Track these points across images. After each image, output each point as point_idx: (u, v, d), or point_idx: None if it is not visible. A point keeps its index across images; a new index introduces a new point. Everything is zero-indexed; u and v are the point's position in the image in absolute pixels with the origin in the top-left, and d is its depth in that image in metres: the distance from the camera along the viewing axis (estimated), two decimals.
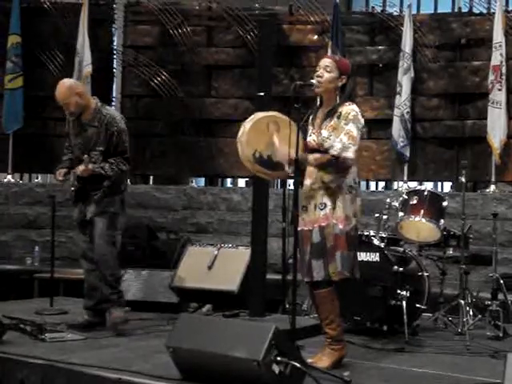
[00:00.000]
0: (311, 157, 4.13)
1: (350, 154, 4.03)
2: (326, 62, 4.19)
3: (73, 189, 5.05)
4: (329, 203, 4.08)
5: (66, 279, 7.10)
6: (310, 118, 4.28)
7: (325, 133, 4.11)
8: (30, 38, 9.06)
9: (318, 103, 4.27)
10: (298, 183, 4.08)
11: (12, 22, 8.90)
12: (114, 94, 9.56)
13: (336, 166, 4.07)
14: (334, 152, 4.04)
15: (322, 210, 4.10)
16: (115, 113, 5.16)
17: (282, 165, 4.15)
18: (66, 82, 5.15)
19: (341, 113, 4.09)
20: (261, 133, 4.21)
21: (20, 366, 4.07)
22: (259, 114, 4.36)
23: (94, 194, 4.98)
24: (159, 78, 9.30)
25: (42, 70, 9.22)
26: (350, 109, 4.10)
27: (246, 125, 4.26)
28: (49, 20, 9.33)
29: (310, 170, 4.18)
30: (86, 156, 4.90)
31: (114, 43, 9.73)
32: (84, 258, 5.15)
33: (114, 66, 9.66)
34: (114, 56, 9.66)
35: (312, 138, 4.18)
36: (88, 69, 8.72)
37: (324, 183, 4.10)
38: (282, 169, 4.17)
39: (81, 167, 4.91)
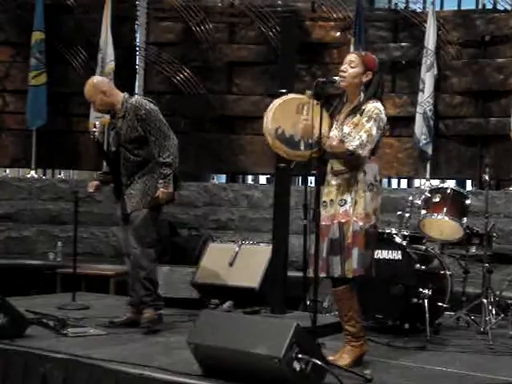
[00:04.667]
0: (328, 142, 4.11)
1: (365, 152, 4.02)
2: (351, 57, 4.19)
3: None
4: (349, 200, 4.07)
5: (89, 274, 7.14)
6: (336, 112, 4.27)
7: (346, 129, 4.10)
8: (54, 34, 9.12)
9: (345, 99, 4.25)
10: (320, 180, 4.08)
11: (36, 19, 8.97)
12: (137, 91, 9.59)
13: (348, 160, 4.06)
14: (350, 147, 4.02)
15: (341, 206, 4.08)
16: (141, 98, 5.16)
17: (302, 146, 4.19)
18: (93, 79, 5.20)
19: (364, 110, 4.07)
20: (289, 112, 4.27)
21: (42, 360, 4.09)
22: (292, 95, 4.42)
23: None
24: (181, 75, 9.32)
25: (66, 66, 9.28)
26: (373, 106, 4.07)
27: (277, 101, 4.34)
28: (72, 17, 9.39)
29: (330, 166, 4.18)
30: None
31: (137, 40, 9.77)
32: (127, 256, 5.16)
33: (137, 62, 9.70)
34: (137, 53, 9.69)
35: (334, 134, 4.17)
36: (111, 65, 8.75)
37: (333, 171, 4.10)
38: (302, 150, 4.20)
39: (160, 196, 4.93)
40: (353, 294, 4.13)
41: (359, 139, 4.01)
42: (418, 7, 9.29)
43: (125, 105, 5.02)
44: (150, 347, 4.45)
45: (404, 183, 10.13)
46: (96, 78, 5.32)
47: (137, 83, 9.62)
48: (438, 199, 5.48)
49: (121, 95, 5.09)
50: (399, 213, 5.67)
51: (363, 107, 4.08)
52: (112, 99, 5.05)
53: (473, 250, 5.63)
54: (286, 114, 4.27)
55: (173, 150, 4.98)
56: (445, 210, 5.43)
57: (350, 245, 4.04)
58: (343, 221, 4.06)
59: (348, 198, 4.08)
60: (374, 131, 4.02)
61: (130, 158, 5.03)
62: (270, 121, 4.26)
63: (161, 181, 4.93)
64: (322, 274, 4.12)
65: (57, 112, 9.19)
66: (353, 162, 4.07)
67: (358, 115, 4.08)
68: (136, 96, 5.23)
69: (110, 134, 5.14)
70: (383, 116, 4.09)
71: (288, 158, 4.47)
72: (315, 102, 4.17)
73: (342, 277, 4.07)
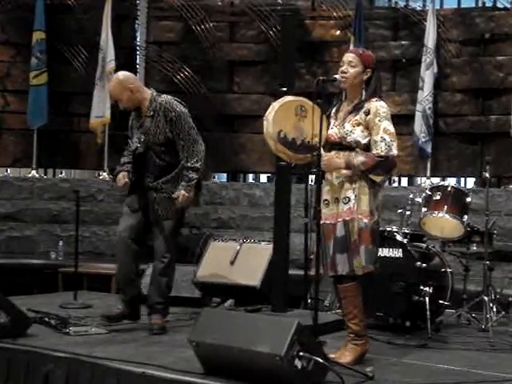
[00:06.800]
0: (358, 161, 4.04)
1: (395, 151, 4.07)
2: (349, 57, 4.18)
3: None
4: (352, 197, 4.08)
5: (90, 273, 7.16)
6: (333, 110, 4.28)
7: (348, 126, 4.10)
8: (54, 34, 9.12)
9: (344, 97, 4.26)
10: (320, 178, 4.09)
11: (36, 19, 8.96)
12: None
13: (384, 166, 4.06)
14: (380, 153, 4.03)
15: (345, 204, 4.09)
16: (171, 98, 4.90)
17: (304, 149, 4.18)
18: (119, 76, 4.93)
19: (369, 109, 4.07)
20: (288, 115, 4.28)
21: (45, 359, 4.10)
22: (289, 97, 4.40)
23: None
24: (182, 74, 9.32)
25: (66, 66, 9.28)
26: (379, 105, 4.09)
27: (276, 104, 4.33)
28: (73, 16, 9.39)
29: None
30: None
31: (137, 39, 9.77)
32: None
33: (137, 62, 9.71)
34: (137, 52, 9.70)
35: (334, 131, 4.17)
36: (111, 65, 8.75)
37: (346, 176, 4.09)
38: (304, 153, 4.19)
39: (180, 198, 4.76)
40: (358, 292, 4.15)
41: (383, 141, 4.02)
42: (417, 5, 9.28)
43: (153, 103, 4.82)
44: (152, 346, 4.45)
45: (404, 181, 10.13)
46: (122, 74, 4.97)
47: None
48: (438, 197, 5.50)
49: (148, 92, 4.90)
50: (400, 211, 5.68)
51: (366, 106, 4.09)
52: (139, 96, 4.84)
53: (473, 247, 5.64)
54: (286, 117, 4.26)
55: (201, 155, 4.84)
56: (445, 207, 5.44)
57: (356, 242, 4.05)
58: (348, 218, 4.07)
59: (351, 195, 4.08)
60: (392, 129, 4.07)
61: (155, 161, 4.85)
62: (271, 125, 4.25)
63: (184, 183, 4.78)
64: (330, 273, 4.14)
65: (58, 112, 9.20)
66: (388, 166, 4.10)
67: (363, 114, 4.08)
68: (165, 95, 4.96)
69: (133, 132, 4.92)
70: (389, 112, 4.12)
71: (290, 161, 4.47)
72: (314, 105, 4.18)
73: (350, 274, 4.08)
